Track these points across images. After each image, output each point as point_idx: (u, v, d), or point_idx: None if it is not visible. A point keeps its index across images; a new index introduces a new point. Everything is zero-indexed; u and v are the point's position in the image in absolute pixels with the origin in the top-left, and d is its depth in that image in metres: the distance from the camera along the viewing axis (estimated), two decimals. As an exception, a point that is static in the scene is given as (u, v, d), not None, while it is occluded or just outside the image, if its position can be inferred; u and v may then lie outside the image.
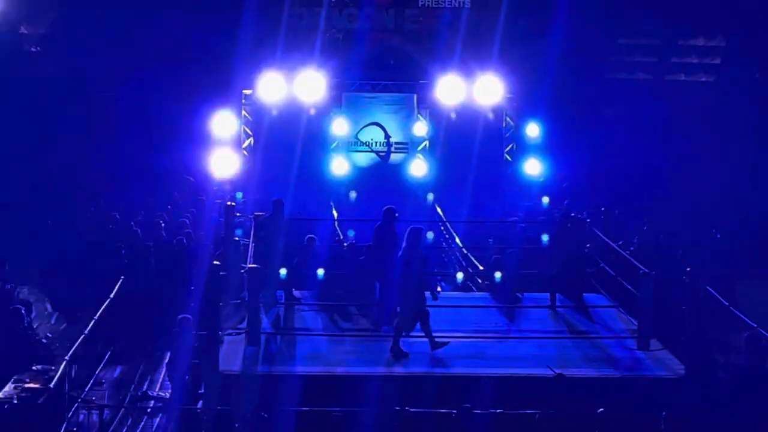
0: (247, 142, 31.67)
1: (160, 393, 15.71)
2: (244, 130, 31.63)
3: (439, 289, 19.74)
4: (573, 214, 18.56)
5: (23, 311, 16.10)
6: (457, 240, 24.05)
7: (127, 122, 28.93)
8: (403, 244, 15.30)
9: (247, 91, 31.11)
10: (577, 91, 30.27)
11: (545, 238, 19.57)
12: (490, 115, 31.37)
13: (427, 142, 31.37)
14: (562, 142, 29.98)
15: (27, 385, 14.03)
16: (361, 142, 31.90)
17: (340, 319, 16.81)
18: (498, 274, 18.66)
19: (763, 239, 22.88)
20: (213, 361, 13.99)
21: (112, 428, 14.48)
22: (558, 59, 28.99)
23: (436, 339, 15.22)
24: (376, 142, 32.03)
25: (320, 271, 17.60)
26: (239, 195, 22.85)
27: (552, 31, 28.88)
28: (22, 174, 26.20)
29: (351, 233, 20.56)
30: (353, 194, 26.00)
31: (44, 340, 16.23)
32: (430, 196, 24.31)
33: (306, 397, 13.38)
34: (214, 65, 29.64)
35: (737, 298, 17.50)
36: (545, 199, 21.44)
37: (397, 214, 16.80)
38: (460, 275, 19.66)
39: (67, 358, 13.98)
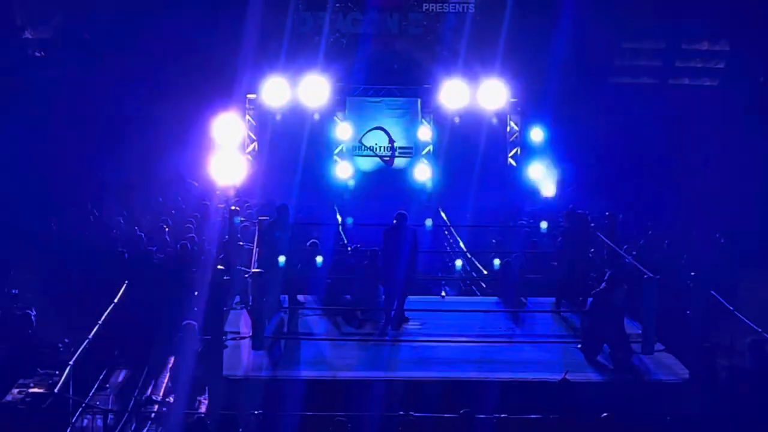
0: (251, 147, 31.72)
1: (164, 398, 15.69)
2: (249, 134, 31.67)
3: (443, 293, 19.71)
4: (578, 212, 18.47)
5: (33, 316, 16.09)
6: (461, 244, 24.02)
7: (131, 127, 28.95)
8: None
9: (252, 96, 31.18)
10: (582, 95, 30.27)
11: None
12: (494, 120, 31.44)
13: (431, 147, 31.40)
14: (566, 147, 29.96)
15: (31, 390, 14.00)
16: (365, 146, 31.93)
17: (344, 323, 16.79)
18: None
19: (768, 243, 22.83)
20: (217, 365, 13.97)
21: (116, 433, 14.49)
22: (562, 63, 29.01)
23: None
24: (380, 147, 32.05)
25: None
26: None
27: (556, 36, 28.90)
28: (26, 179, 26.21)
29: (349, 220, 20.37)
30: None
31: (48, 345, 16.20)
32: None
33: (310, 402, 13.37)
34: (219, 70, 29.68)
35: (741, 302, 17.45)
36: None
37: (407, 222, 16.75)
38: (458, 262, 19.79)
39: (71, 362, 13.97)
